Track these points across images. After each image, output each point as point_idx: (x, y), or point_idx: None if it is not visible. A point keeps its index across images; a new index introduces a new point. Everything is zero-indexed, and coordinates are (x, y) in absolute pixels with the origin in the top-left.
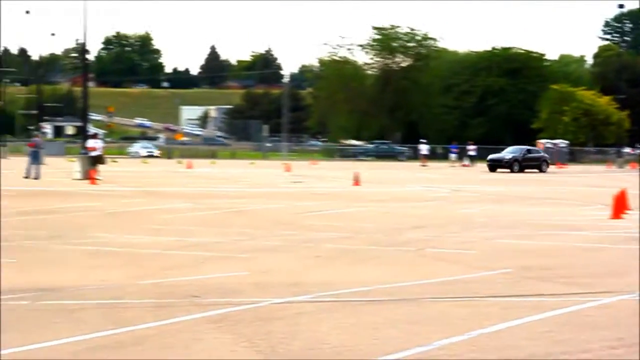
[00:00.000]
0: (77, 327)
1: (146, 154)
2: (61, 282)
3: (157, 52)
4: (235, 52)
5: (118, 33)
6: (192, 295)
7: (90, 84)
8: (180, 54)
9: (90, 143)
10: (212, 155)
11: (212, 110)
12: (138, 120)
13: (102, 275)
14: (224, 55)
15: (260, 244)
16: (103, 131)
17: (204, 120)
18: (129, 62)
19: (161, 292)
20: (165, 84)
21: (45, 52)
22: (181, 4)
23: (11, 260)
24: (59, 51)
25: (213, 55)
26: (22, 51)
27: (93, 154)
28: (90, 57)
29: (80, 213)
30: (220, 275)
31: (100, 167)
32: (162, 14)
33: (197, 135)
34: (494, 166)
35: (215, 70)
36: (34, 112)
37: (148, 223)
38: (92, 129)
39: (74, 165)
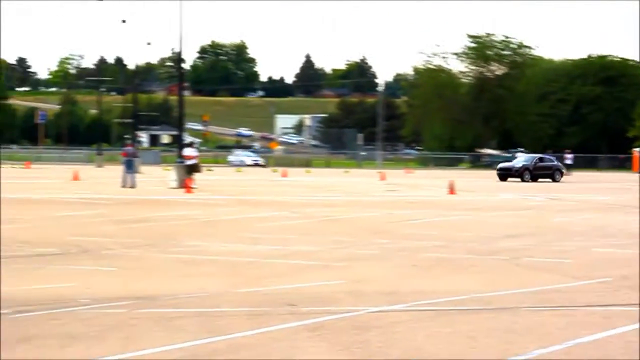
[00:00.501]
0: (174, 335)
1: (251, 162)
2: (159, 290)
3: (252, 60)
4: (330, 61)
5: (213, 42)
6: (288, 304)
7: (186, 92)
8: (276, 63)
9: (186, 152)
10: (307, 164)
11: (307, 119)
12: (239, 130)
13: (199, 284)
14: (319, 63)
15: (355, 252)
16: (198, 140)
17: (298, 129)
18: (224, 71)
19: (258, 301)
20: (260, 93)
21: (141, 61)
22: (276, 13)
23: (110, 269)
24: (154, 60)
25: (308, 64)
26: (119, 60)
27: (189, 162)
28: (186, 66)
29: (177, 222)
30: (317, 284)
31: (196, 175)
32: (258, 23)
33: (293, 143)
34: (504, 175)
35: (310, 78)
36: (130, 120)
37: (244, 231)
38: (187, 138)
39: (170, 174)
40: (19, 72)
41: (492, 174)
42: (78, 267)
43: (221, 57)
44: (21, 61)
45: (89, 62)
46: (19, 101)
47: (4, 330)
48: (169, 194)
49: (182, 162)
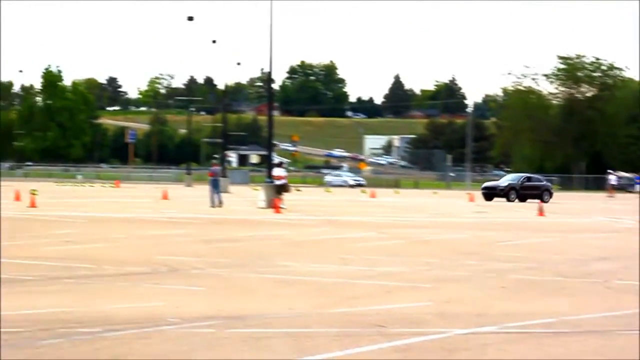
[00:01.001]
0: (262, 354)
1: (354, 183)
2: (247, 310)
3: (342, 81)
4: (419, 82)
5: (303, 62)
6: (377, 325)
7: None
8: (365, 83)
9: (276, 172)
10: (396, 185)
11: (396, 140)
12: (330, 151)
13: (287, 304)
14: (408, 84)
15: (444, 273)
16: (287, 160)
17: (387, 150)
18: (313, 91)
19: (346, 321)
20: (349, 113)
21: (231, 81)
22: (366, 34)
23: (199, 288)
24: (244, 80)
25: (397, 85)
26: (208, 80)
27: (278, 182)
28: (275, 86)
29: (266, 241)
30: (405, 305)
31: (285, 195)
32: (347, 43)
33: (382, 164)
34: (489, 195)
35: (399, 99)
36: (219, 140)
37: (333, 252)
38: (276, 158)
39: (259, 194)
40: (110, 92)
41: (582, 195)
42: (167, 287)
43: (310, 77)
44: (112, 81)
45: (179, 82)
46: (110, 120)
47: (97, 350)
48: (258, 214)
49: (271, 182)
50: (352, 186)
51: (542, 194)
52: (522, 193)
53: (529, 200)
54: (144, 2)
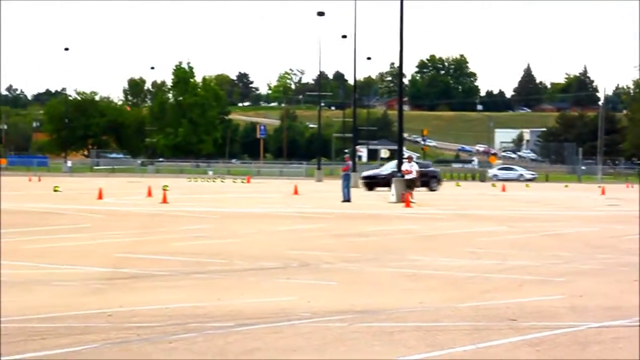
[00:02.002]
0: (394, 349)
1: (530, 176)
2: (378, 304)
3: (472, 75)
4: (549, 75)
5: (433, 56)
6: (509, 319)
7: (405, 107)
8: (495, 77)
9: (405, 166)
10: (526, 178)
11: (526, 133)
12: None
13: (419, 298)
14: (538, 77)
15: (575, 267)
16: (417, 154)
17: (517, 143)
18: (443, 85)
19: (478, 315)
20: (479, 107)
21: (361, 76)
22: (496, 27)
23: (330, 283)
24: (374, 75)
25: (528, 78)
26: (339, 75)
27: (408, 177)
28: (405, 80)
29: (396, 236)
30: (537, 299)
31: (415, 189)
32: (478, 37)
33: (512, 158)
34: (370, 184)
35: (530, 92)
36: (349, 135)
37: (464, 246)
38: (406, 152)
39: (389, 189)
40: (240, 88)
41: None
42: (298, 281)
43: (441, 71)
44: (242, 76)
45: (309, 77)
46: (240, 116)
47: (229, 344)
48: (389, 208)
49: (401, 177)
50: (528, 180)
51: (429, 181)
52: None
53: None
54: None
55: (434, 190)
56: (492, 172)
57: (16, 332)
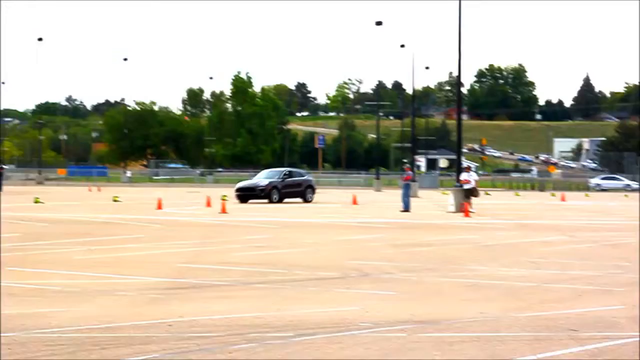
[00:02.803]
0: (455, 359)
1: (637, 186)
2: (438, 314)
3: (531, 84)
4: (609, 84)
5: (491, 65)
6: (569, 329)
7: (464, 116)
8: (554, 86)
9: (464, 176)
10: (586, 188)
11: (586, 143)
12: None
13: (479, 308)
14: (597, 86)
15: (636, 277)
16: (475, 164)
17: (577, 153)
18: (502, 95)
19: (538, 325)
20: (538, 117)
21: (419, 86)
22: (556, 37)
23: (390, 293)
24: (432, 84)
25: (587, 87)
26: (397, 85)
27: (466, 186)
28: (464, 89)
29: (455, 246)
30: (598, 309)
31: (474, 199)
32: (537, 46)
33: (572, 167)
34: (244, 196)
35: (589, 102)
36: (408, 145)
37: (524, 256)
38: (465, 162)
39: (448, 198)
40: (299, 97)
41: None
42: (358, 291)
43: (499, 80)
44: (301, 86)
45: (368, 87)
46: (299, 126)
47: (289, 354)
48: (447, 218)
49: (460, 187)
50: (633, 190)
51: (304, 192)
52: (283, 192)
53: (287, 200)
54: (333, 7)
55: (309, 202)
56: (594, 182)
57: (73, 342)
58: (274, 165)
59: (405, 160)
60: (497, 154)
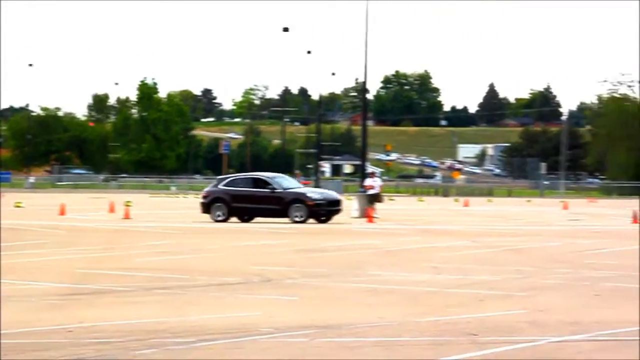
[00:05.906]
0: None
1: None
2: (340, 319)
3: (436, 90)
4: (513, 90)
5: (397, 72)
6: (469, 333)
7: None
8: (459, 92)
9: (368, 181)
10: (489, 193)
11: (490, 149)
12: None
13: (380, 313)
14: (502, 93)
15: (537, 282)
16: (380, 169)
17: (481, 159)
18: (407, 101)
19: (439, 330)
20: (443, 122)
21: (325, 92)
22: (460, 43)
23: (292, 298)
24: (338, 90)
25: (491, 93)
26: (303, 91)
27: (371, 192)
28: (370, 96)
29: (358, 251)
30: (498, 314)
31: (378, 205)
32: (442, 53)
33: (475, 173)
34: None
35: (494, 108)
36: (313, 151)
37: (425, 261)
38: (370, 168)
39: (352, 204)
40: (204, 103)
41: None
42: (260, 296)
43: (405, 86)
44: (206, 92)
45: (274, 93)
46: (204, 131)
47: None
48: (351, 223)
49: (364, 192)
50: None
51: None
52: None
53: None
54: (238, 13)
55: None
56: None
57: None
58: (178, 171)
59: (310, 166)
60: (409, 159)
